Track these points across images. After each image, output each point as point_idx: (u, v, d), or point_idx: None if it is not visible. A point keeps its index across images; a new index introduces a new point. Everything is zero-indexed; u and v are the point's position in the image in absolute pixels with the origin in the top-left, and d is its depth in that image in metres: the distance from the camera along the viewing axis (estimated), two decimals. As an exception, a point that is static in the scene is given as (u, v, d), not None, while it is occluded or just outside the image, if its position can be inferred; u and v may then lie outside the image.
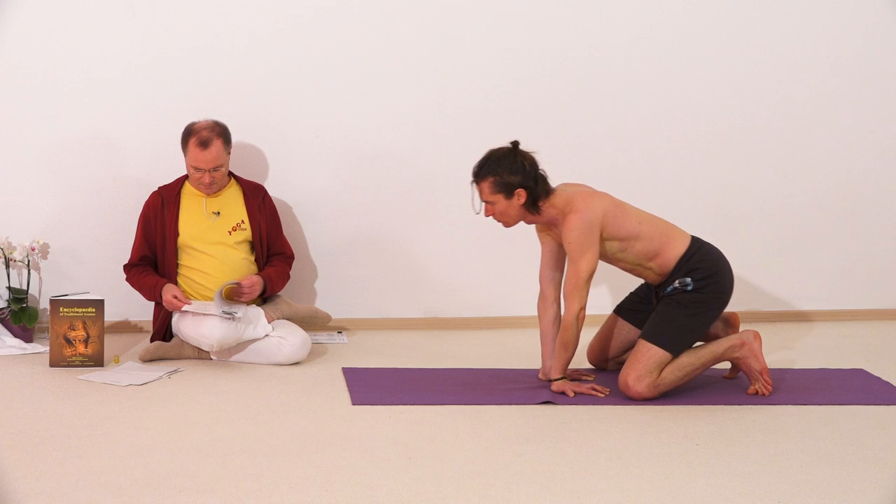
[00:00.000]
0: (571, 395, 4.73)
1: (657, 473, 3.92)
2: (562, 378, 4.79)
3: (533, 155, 4.75)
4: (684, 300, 4.79)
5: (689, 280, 4.79)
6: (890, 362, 5.40)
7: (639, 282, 5.15)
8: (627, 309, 5.11)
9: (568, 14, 5.90)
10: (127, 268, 5.40)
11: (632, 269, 4.90)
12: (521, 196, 4.71)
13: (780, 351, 5.59)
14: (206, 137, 5.23)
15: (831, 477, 3.92)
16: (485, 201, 4.75)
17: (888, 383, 5.06)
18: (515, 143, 4.77)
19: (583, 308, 4.72)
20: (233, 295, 5.20)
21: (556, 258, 4.95)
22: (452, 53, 5.86)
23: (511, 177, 4.69)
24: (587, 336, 5.17)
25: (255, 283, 5.24)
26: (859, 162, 6.22)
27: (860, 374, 5.23)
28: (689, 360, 4.78)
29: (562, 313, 4.87)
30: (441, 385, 4.94)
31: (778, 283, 6.23)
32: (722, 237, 6.07)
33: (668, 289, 4.82)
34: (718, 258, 4.89)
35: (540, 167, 4.75)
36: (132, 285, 5.39)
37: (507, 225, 4.83)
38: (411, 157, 5.90)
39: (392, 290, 5.98)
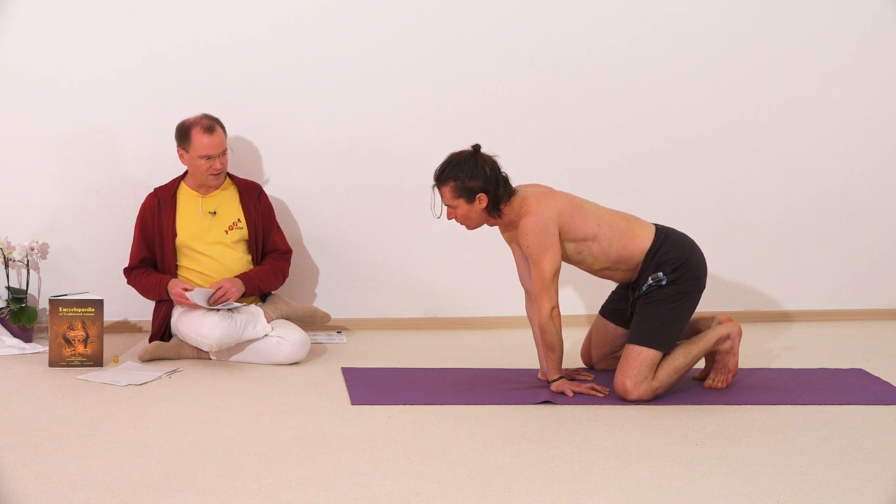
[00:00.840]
0: (571, 394, 4.73)
1: (656, 473, 3.92)
2: (560, 378, 4.78)
3: (494, 158, 4.73)
4: (662, 295, 4.77)
5: (661, 275, 4.77)
6: (889, 362, 5.40)
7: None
8: (610, 309, 5.09)
9: (567, 14, 5.90)
10: (127, 271, 5.40)
11: (599, 273, 4.88)
12: (482, 200, 4.70)
13: (780, 351, 5.59)
14: (209, 124, 5.26)
15: (830, 477, 3.92)
16: (447, 205, 4.76)
17: (887, 383, 5.06)
18: (476, 147, 4.75)
19: (555, 307, 4.71)
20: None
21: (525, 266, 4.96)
22: (453, 52, 5.86)
23: (472, 181, 4.68)
24: (577, 337, 5.18)
25: (228, 287, 5.19)
26: (858, 162, 6.21)
27: (859, 373, 5.23)
28: (684, 361, 4.78)
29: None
30: (440, 385, 4.94)
31: (777, 283, 6.23)
32: (721, 238, 6.10)
33: (643, 287, 4.80)
34: (686, 244, 4.86)
35: (502, 170, 4.73)
36: (134, 287, 5.38)
37: (470, 228, 4.83)
38: (411, 157, 5.90)
39: (391, 290, 5.98)
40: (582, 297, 6.03)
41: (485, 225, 4.84)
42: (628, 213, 4.94)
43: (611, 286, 5.12)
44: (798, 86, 6.11)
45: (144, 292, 5.36)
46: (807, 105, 6.13)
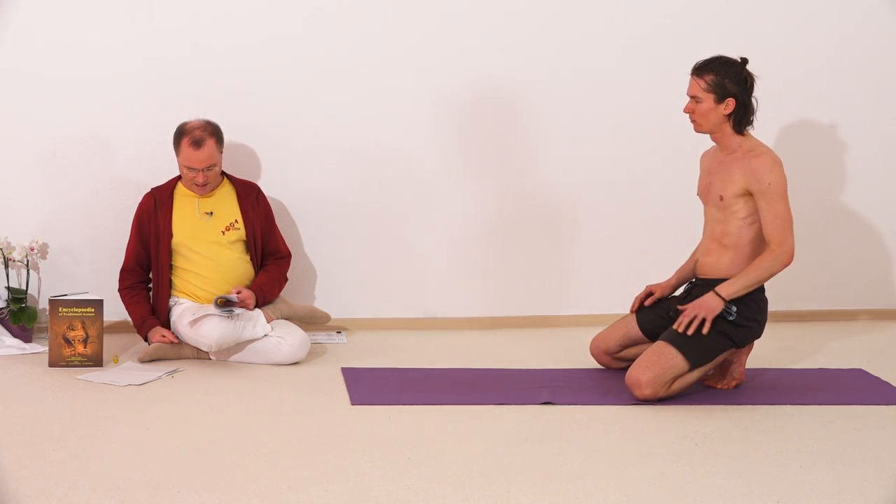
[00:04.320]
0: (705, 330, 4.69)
1: (656, 473, 3.92)
2: (721, 300, 4.71)
3: (756, 79, 4.76)
4: (723, 328, 4.74)
5: (734, 309, 4.75)
6: (889, 362, 5.40)
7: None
8: (644, 310, 5.06)
9: (568, 17, 5.90)
10: (122, 276, 5.39)
11: (717, 238, 4.84)
12: (729, 105, 4.73)
13: (780, 351, 5.59)
14: (199, 137, 5.22)
15: (830, 477, 3.92)
16: (693, 96, 4.76)
17: (887, 383, 5.06)
18: (745, 60, 4.77)
19: (791, 253, 4.71)
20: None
21: None
22: (452, 53, 5.86)
23: (731, 83, 4.71)
24: (592, 333, 5.19)
25: (247, 297, 5.23)
26: (858, 161, 6.21)
27: (859, 374, 5.23)
28: (696, 376, 4.77)
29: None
30: (440, 385, 4.94)
31: (777, 282, 6.20)
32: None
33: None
34: (765, 311, 4.87)
35: (755, 98, 4.77)
36: (123, 304, 5.39)
37: (700, 128, 4.81)
38: (410, 157, 5.90)
39: (391, 290, 5.98)
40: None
41: (693, 126, 4.81)
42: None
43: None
44: (797, 86, 6.10)
45: (129, 315, 5.37)
46: (805, 105, 6.12)
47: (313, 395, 4.76)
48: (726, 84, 4.72)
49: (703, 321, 4.69)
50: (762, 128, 6.06)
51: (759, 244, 4.80)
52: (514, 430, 4.35)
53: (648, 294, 5.08)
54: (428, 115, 5.88)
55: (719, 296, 4.71)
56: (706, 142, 6.09)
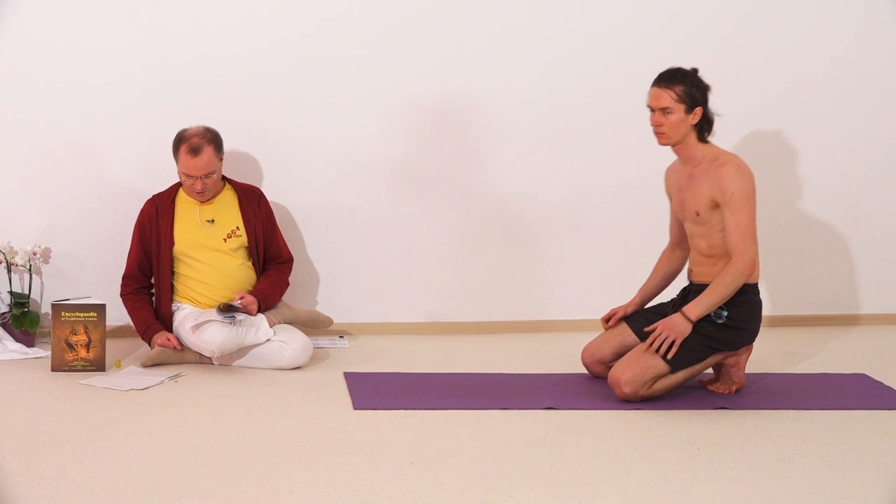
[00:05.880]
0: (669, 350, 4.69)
1: (659, 478, 3.92)
2: (689, 322, 4.69)
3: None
4: (707, 330, 4.75)
5: (724, 314, 4.75)
6: (891, 367, 5.40)
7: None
8: (636, 314, 5.07)
9: (571, 22, 5.90)
10: (125, 282, 5.39)
11: (705, 254, 4.82)
12: (697, 115, 4.74)
13: (782, 355, 5.59)
14: (197, 144, 5.22)
15: (833, 481, 3.92)
16: (661, 108, 4.74)
17: (889, 388, 5.06)
18: (696, 69, 4.80)
19: (754, 263, 4.69)
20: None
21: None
22: (453, 60, 5.86)
23: (699, 92, 4.74)
24: (583, 341, 5.19)
25: (250, 302, 5.23)
26: (861, 165, 6.22)
27: (862, 378, 5.23)
28: (683, 377, 4.78)
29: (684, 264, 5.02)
30: (443, 389, 4.94)
31: (779, 287, 6.23)
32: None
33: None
34: (758, 314, 4.86)
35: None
36: (125, 309, 5.39)
37: (667, 140, 4.79)
38: (412, 162, 5.90)
39: (393, 295, 5.99)
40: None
41: (658, 138, 4.79)
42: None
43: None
44: (801, 90, 6.11)
45: (132, 320, 5.38)
46: (809, 109, 6.13)
47: (316, 400, 4.76)
48: (694, 93, 4.74)
49: (672, 342, 4.68)
50: (764, 129, 6.11)
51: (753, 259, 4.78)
52: (517, 435, 4.35)
53: (611, 316, 5.07)
54: (430, 122, 5.89)
55: (687, 318, 4.70)
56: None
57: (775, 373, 5.28)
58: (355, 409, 4.65)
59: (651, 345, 4.70)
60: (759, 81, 6.08)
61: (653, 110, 4.78)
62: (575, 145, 5.99)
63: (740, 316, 4.79)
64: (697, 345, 4.74)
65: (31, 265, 5.57)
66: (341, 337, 5.85)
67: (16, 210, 5.64)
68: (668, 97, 4.74)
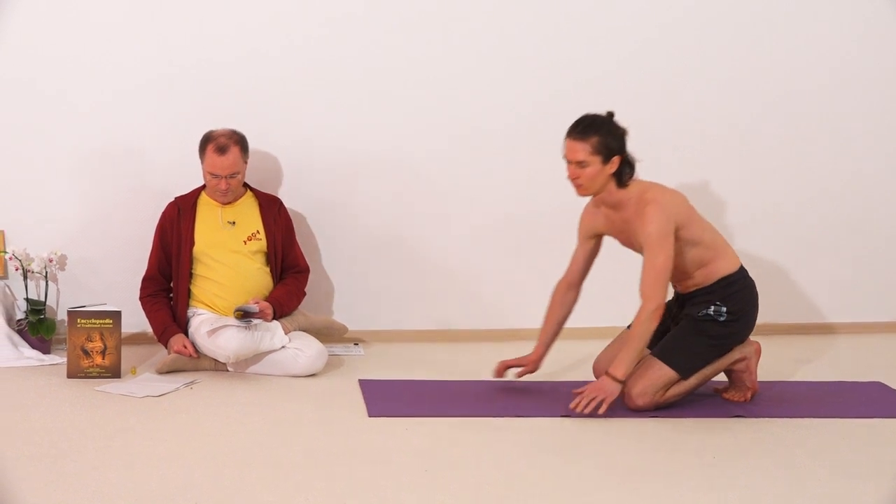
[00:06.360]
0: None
1: (674, 487, 3.91)
2: (619, 383, 4.62)
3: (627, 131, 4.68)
4: (712, 331, 4.75)
5: (724, 310, 4.74)
6: (908, 375, 5.39)
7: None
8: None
9: (576, 24, 5.91)
10: (144, 284, 5.41)
11: (673, 276, 4.78)
12: (614, 164, 4.63)
13: (797, 364, 5.58)
14: (224, 144, 5.26)
15: (848, 490, 3.90)
16: (577, 161, 4.63)
17: (906, 396, 5.06)
18: (612, 114, 4.69)
19: (661, 306, 4.58)
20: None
21: (589, 260, 4.95)
22: (467, 63, 5.87)
23: (614, 141, 4.61)
24: (596, 349, 5.18)
25: (266, 308, 5.24)
26: (875, 171, 6.20)
27: (878, 386, 5.21)
28: (695, 382, 4.79)
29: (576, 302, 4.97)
30: (457, 397, 4.94)
31: (794, 294, 6.22)
32: (736, 248, 6.08)
33: (701, 312, 4.76)
34: (755, 297, 4.85)
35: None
36: (144, 311, 5.40)
37: (587, 191, 4.70)
38: (427, 169, 5.91)
39: (408, 302, 5.99)
40: (602, 310, 6.01)
41: (576, 189, 4.71)
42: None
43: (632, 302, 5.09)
44: (809, 93, 6.10)
45: (150, 325, 5.39)
46: (819, 112, 6.12)
47: (330, 407, 4.77)
48: (610, 143, 4.60)
49: (600, 402, 4.60)
50: (774, 136, 6.09)
51: (713, 249, 4.74)
52: (531, 443, 4.35)
53: (503, 367, 5.01)
54: (446, 128, 5.90)
55: (616, 379, 4.62)
56: (711, 154, 6.10)
57: (790, 381, 5.27)
58: (370, 416, 4.65)
59: (577, 407, 4.59)
60: (759, 85, 6.06)
61: (569, 162, 4.67)
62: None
63: (739, 305, 4.77)
64: (705, 347, 4.74)
65: (46, 272, 5.59)
66: (356, 344, 5.85)
67: (32, 218, 5.65)
68: (582, 150, 4.61)
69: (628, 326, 4.99)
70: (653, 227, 4.60)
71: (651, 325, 4.60)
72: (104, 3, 5.60)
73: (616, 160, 4.63)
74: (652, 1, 5.95)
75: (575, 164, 4.65)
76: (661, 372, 4.70)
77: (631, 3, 5.94)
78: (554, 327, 5.02)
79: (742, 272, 4.83)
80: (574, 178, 4.68)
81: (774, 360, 5.55)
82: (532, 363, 5.00)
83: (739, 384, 4.91)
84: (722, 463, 4.16)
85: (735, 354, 4.85)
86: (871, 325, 6.27)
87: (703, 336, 4.75)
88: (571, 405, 4.63)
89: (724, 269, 4.79)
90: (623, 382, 4.63)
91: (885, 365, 5.57)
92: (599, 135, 4.61)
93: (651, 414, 4.68)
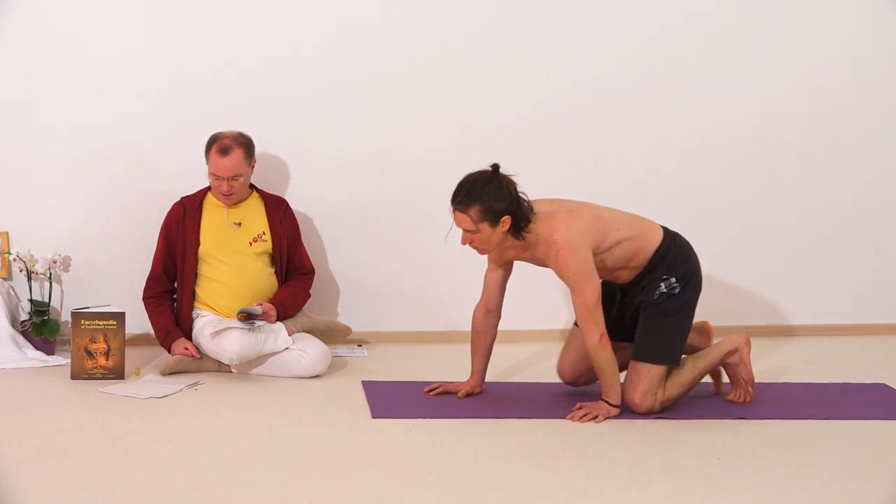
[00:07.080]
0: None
1: (678, 488, 3.91)
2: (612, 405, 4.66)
3: (512, 178, 4.52)
4: (671, 308, 4.69)
5: (674, 282, 4.67)
6: (912, 377, 5.39)
7: None
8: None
9: (576, 24, 5.91)
10: (148, 284, 5.41)
11: (610, 274, 4.74)
12: (506, 223, 4.51)
13: (801, 365, 5.57)
14: (227, 145, 5.26)
15: (853, 492, 3.90)
16: (466, 230, 4.54)
17: (910, 398, 5.05)
18: (496, 167, 4.55)
19: (603, 334, 4.56)
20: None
21: (503, 284, 4.87)
22: (474, 66, 5.87)
23: (497, 203, 4.45)
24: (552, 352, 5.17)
25: (270, 309, 5.24)
26: (881, 174, 6.20)
27: (882, 388, 5.21)
28: (691, 376, 4.77)
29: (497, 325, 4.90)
30: (461, 398, 4.93)
31: (799, 296, 6.21)
32: (740, 251, 6.10)
33: (655, 295, 4.69)
34: (691, 250, 4.79)
35: (520, 190, 4.53)
36: (146, 312, 5.41)
37: (486, 252, 4.64)
38: (432, 170, 5.90)
39: (412, 304, 5.99)
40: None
41: (476, 252, 4.67)
42: (633, 212, 4.84)
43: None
44: (819, 97, 6.10)
45: (153, 327, 5.39)
46: (827, 115, 6.12)
47: (334, 409, 4.77)
48: (494, 206, 4.45)
49: (595, 416, 4.62)
50: (781, 139, 6.08)
51: (635, 236, 4.67)
52: (535, 444, 4.35)
53: (435, 388, 4.98)
54: (451, 130, 5.90)
55: (610, 403, 4.64)
56: (716, 149, 6.10)
57: (795, 382, 5.26)
58: (373, 417, 4.65)
59: (573, 417, 4.62)
60: (760, 86, 6.06)
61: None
62: (597, 149, 5.98)
63: (684, 266, 4.70)
64: (675, 325, 4.71)
65: (51, 273, 5.59)
66: (360, 346, 5.85)
67: (36, 218, 5.66)
68: (466, 220, 4.49)
69: (575, 324, 4.94)
70: (570, 269, 4.54)
71: (604, 353, 4.58)
72: (111, 5, 5.59)
73: (506, 220, 4.49)
74: (652, 1, 5.95)
75: (466, 232, 4.56)
76: (653, 371, 4.69)
77: (631, 4, 5.93)
78: (484, 357, 4.96)
79: (668, 236, 4.75)
80: (469, 243, 4.59)
81: (778, 361, 5.56)
82: (464, 392, 4.95)
83: (736, 380, 4.89)
84: (726, 464, 4.15)
85: (726, 346, 4.84)
86: (876, 326, 6.26)
87: (668, 317, 4.70)
88: (568, 416, 4.65)
89: (652, 244, 4.70)
90: (619, 406, 4.66)
91: (890, 367, 5.56)
92: (480, 202, 4.46)
93: (653, 416, 4.68)
